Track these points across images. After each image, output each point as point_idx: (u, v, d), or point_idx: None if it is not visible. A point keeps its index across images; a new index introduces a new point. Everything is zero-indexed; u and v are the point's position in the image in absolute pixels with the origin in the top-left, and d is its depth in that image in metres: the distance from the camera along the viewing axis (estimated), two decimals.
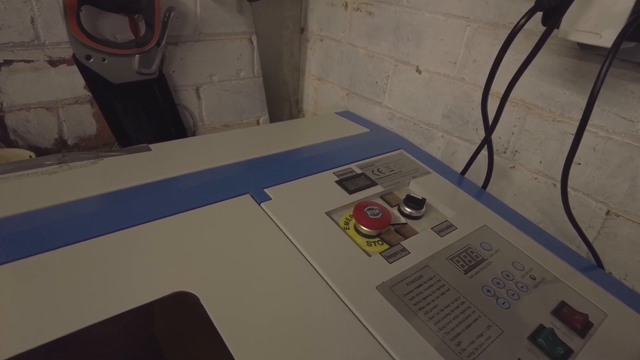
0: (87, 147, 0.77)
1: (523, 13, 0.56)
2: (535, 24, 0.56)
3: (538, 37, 0.55)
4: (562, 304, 0.44)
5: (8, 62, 0.65)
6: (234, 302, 0.37)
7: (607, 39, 0.41)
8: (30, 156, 0.66)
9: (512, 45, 0.53)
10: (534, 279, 0.47)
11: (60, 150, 0.75)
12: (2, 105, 0.66)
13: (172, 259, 0.40)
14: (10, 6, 0.62)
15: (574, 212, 0.55)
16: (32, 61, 0.67)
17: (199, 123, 0.88)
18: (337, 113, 0.77)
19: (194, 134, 0.88)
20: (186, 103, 0.84)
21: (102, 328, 0.33)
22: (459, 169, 0.67)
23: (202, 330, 0.36)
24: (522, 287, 0.45)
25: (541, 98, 0.58)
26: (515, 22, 0.57)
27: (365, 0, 0.79)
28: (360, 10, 0.80)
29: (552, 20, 0.42)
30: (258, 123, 0.97)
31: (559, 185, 0.59)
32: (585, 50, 0.51)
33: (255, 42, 0.88)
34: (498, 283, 0.45)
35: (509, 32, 0.59)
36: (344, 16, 0.84)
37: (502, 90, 0.59)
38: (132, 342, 0.36)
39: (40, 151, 0.72)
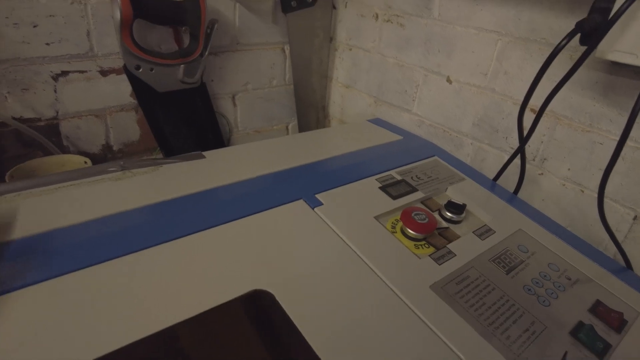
0: (131, 152, 0.81)
1: (554, 29, 0.60)
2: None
3: (569, 52, 0.59)
4: (598, 303, 0.48)
5: (65, 73, 0.68)
6: (305, 300, 0.41)
7: None
8: (85, 162, 0.70)
9: (541, 59, 0.56)
10: (569, 279, 0.50)
11: (106, 155, 0.78)
12: (57, 113, 0.70)
13: (242, 261, 0.44)
14: (70, 21, 0.66)
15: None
16: (86, 71, 0.71)
17: (234, 129, 0.91)
18: (369, 120, 0.81)
19: (229, 140, 0.91)
20: (223, 110, 0.88)
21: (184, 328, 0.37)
22: (489, 174, 0.71)
23: (278, 327, 0.40)
24: (559, 287, 0.49)
25: (571, 109, 0.62)
26: (549, 39, 0.61)
27: (396, 12, 0.82)
28: (391, 22, 0.84)
29: (591, 42, 0.46)
30: (287, 129, 1.01)
31: (586, 191, 0.62)
32: (618, 67, 0.54)
33: (287, 51, 0.91)
34: (537, 283, 0.49)
35: (540, 47, 0.63)
36: (374, 27, 0.87)
37: (532, 102, 0.63)
38: None
39: (88, 156, 0.76)
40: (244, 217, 0.49)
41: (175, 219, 0.48)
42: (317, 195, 0.55)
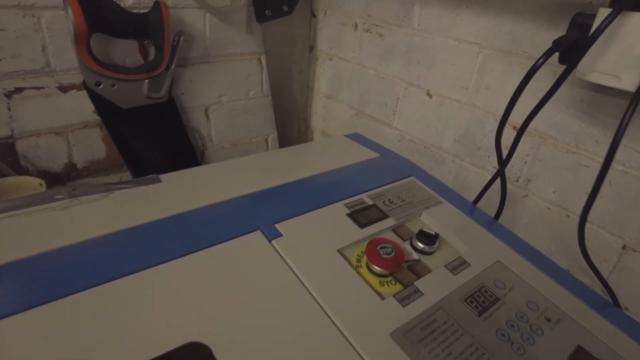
0: (97, 170, 0.77)
1: (536, 41, 0.56)
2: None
3: (552, 67, 0.54)
4: (579, 349, 0.43)
5: (19, 90, 0.65)
6: (245, 352, 0.37)
7: (626, 82, 0.40)
8: (41, 184, 0.66)
9: (523, 74, 0.52)
10: (549, 320, 0.46)
11: (70, 174, 0.75)
12: (13, 132, 0.67)
13: (182, 307, 0.40)
14: (22, 34, 0.62)
15: (588, 244, 0.54)
16: (43, 88, 0.67)
17: (208, 143, 0.87)
18: (346, 136, 0.77)
19: (203, 154, 0.87)
20: (195, 124, 0.84)
21: None
22: (471, 194, 0.66)
23: None
24: (537, 330, 0.45)
25: (555, 128, 0.57)
26: (531, 52, 0.57)
27: (375, 22, 0.78)
28: (371, 32, 0.79)
29: (569, 61, 0.42)
30: (267, 141, 0.97)
31: (572, 216, 0.58)
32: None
33: (264, 61, 0.87)
34: (512, 326, 0.45)
35: (522, 61, 0.58)
36: (354, 36, 0.83)
37: (514, 119, 0.58)
38: None
39: (50, 176, 0.72)
40: (191, 252, 0.45)
41: (112, 257, 0.44)
42: (276, 225, 0.51)
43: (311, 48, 0.94)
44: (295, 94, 0.97)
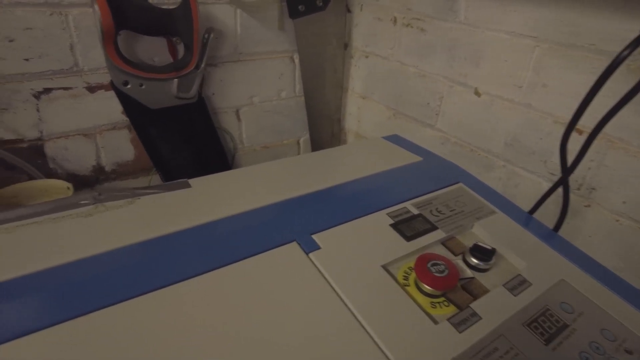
0: (125, 173, 0.75)
1: (606, 32, 0.49)
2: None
3: (629, 61, 0.48)
4: None
5: (47, 90, 0.63)
6: None
7: None
8: (68, 187, 0.64)
9: (588, 69, 0.46)
10: (630, 353, 0.40)
11: (98, 177, 0.73)
12: (42, 133, 0.65)
13: (216, 324, 0.36)
14: (50, 34, 0.60)
15: None
16: (71, 88, 0.65)
17: (239, 145, 0.84)
18: (384, 138, 0.72)
19: (233, 157, 0.84)
20: (226, 126, 0.80)
21: None
22: (523, 202, 0.60)
23: None
24: None
25: (627, 130, 0.51)
26: (599, 45, 0.50)
27: (415, 15, 0.73)
28: (411, 26, 0.74)
29: None
30: (298, 143, 0.92)
31: None
32: None
33: (297, 60, 0.83)
34: (587, 358, 0.39)
35: (587, 55, 0.52)
36: (393, 32, 0.78)
37: (568, 117, 0.52)
38: None
39: (78, 179, 0.70)
40: (221, 267, 0.41)
41: (137, 271, 0.40)
42: (313, 236, 0.46)
43: (346, 45, 0.89)
44: (328, 95, 0.93)
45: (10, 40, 0.58)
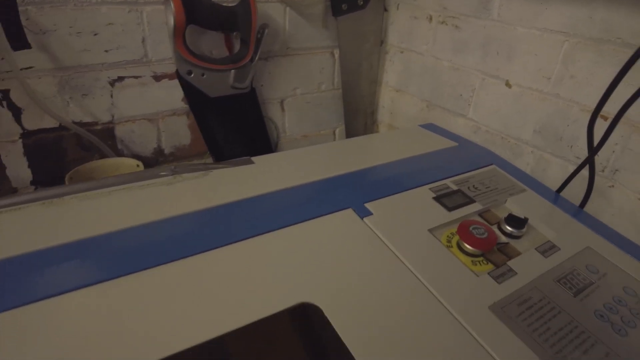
0: (182, 157, 0.82)
1: (635, 27, 0.55)
2: None
3: None
4: None
5: (121, 79, 0.70)
6: (354, 315, 0.39)
7: None
8: (138, 165, 0.72)
9: (614, 61, 0.51)
10: None
11: (157, 159, 0.80)
12: (113, 117, 0.73)
13: (289, 272, 0.42)
14: (127, 28, 0.67)
15: None
16: (140, 77, 0.72)
17: (281, 134, 0.91)
18: (420, 126, 0.78)
19: (277, 145, 0.91)
20: (272, 115, 0.87)
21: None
22: (550, 185, 0.66)
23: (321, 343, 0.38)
24: (638, 314, 0.44)
25: None
26: (625, 38, 0.56)
27: (451, 13, 0.79)
28: (446, 24, 0.80)
29: None
30: (334, 134, 0.99)
31: None
32: None
33: (337, 55, 0.90)
34: (611, 309, 0.44)
35: (615, 48, 0.57)
36: (428, 29, 0.84)
37: (594, 105, 0.57)
38: None
39: (141, 159, 0.78)
40: (291, 225, 0.48)
41: (223, 226, 0.47)
42: (366, 205, 0.53)
43: (381, 42, 0.95)
44: (364, 90, 0.99)
45: (95, 34, 0.66)
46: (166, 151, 0.81)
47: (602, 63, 0.59)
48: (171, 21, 0.65)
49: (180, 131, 0.80)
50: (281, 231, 0.47)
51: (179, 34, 0.67)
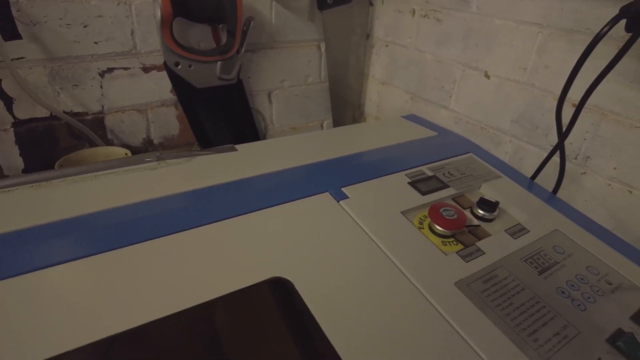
0: (170, 146, 0.84)
1: (602, 18, 0.57)
2: (614, 29, 0.56)
3: (616, 42, 0.55)
4: None
5: (110, 70, 0.72)
6: (324, 289, 0.41)
7: None
8: (126, 153, 0.74)
9: (582, 50, 0.53)
10: (610, 284, 0.47)
11: (147, 148, 0.82)
12: (103, 107, 0.75)
13: (265, 249, 0.44)
14: (116, 20, 0.69)
15: None
16: (129, 68, 0.74)
17: (269, 126, 0.93)
18: (403, 117, 0.80)
19: (265, 136, 0.93)
20: (259, 107, 0.89)
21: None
22: (527, 174, 0.68)
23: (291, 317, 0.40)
24: (597, 291, 0.46)
25: (619, 103, 0.58)
26: (594, 29, 0.58)
27: (433, 7, 0.81)
28: (428, 17, 0.82)
29: (638, 28, 0.43)
30: (322, 126, 1.01)
31: (635, 192, 0.58)
32: None
33: (323, 48, 0.92)
34: (573, 286, 0.46)
35: (585, 38, 0.59)
36: (411, 22, 0.86)
37: (574, 96, 0.60)
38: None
39: (130, 149, 0.80)
40: (270, 207, 0.50)
41: (205, 206, 0.49)
42: (343, 189, 0.55)
43: (368, 35, 0.97)
44: (351, 82, 1.01)
45: (85, 26, 0.68)
46: (155, 141, 0.83)
47: (573, 52, 0.61)
48: (158, 13, 0.67)
49: (168, 121, 0.82)
50: (259, 212, 0.49)
51: (166, 26, 0.69)
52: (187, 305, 0.37)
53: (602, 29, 0.44)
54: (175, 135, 0.84)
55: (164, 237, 0.44)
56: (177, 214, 0.47)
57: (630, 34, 0.45)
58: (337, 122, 1.03)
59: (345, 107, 1.03)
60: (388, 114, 1.00)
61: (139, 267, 0.40)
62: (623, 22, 0.46)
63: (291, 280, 0.41)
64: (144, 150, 0.82)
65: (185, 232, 0.45)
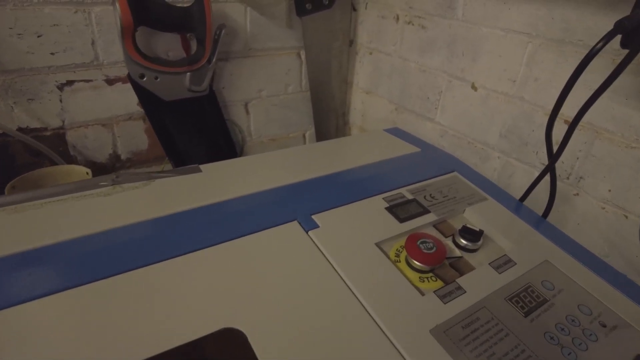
0: (139, 162, 0.79)
1: (593, 28, 0.52)
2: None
3: (611, 55, 0.51)
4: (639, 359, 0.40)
5: (70, 82, 0.67)
6: (281, 340, 0.36)
7: None
8: (87, 172, 0.69)
9: (574, 62, 0.48)
10: (604, 326, 0.43)
11: (114, 164, 0.77)
12: (64, 122, 0.70)
13: (217, 294, 0.40)
14: (74, 30, 0.64)
15: None
16: (91, 80, 0.69)
17: (247, 138, 0.88)
18: (385, 130, 0.75)
19: (242, 149, 0.88)
20: (235, 118, 0.84)
21: None
22: (517, 192, 0.63)
23: None
24: (590, 335, 0.41)
25: (613, 121, 0.53)
26: (586, 40, 0.53)
27: (417, 13, 0.76)
28: (412, 24, 0.77)
29: (634, 44, 0.38)
30: (304, 137, 0.96)
31: (631, 216, 0.54)
32: None
33: (303, 56, 0.87)
34: (562, 329, 0.42)
35: (576, 49, 0.55)
36: (395, 29, 0.81)
37: (566, 112, 0.55)
38: None
39: (96, 166, 0.75)
40: (228, 240, 0.45)
41: (153, 242, 0.44)
42: (313, 216, 0.50)
43: (351, 42, 0.92)
44: (334, 90, 0.96)
45: (39, 36, 0.62)
46: (123, 157, 0.78)
47: (564, 65, 0.57)
48: (118, 22, 0.62)
49: (136, 136, 0.77)
50: (215, 248, 0.44)
51: (127, 36, 0.64)
52: None
53: (596, 45, 0.40)
54: (144, 150, 0.79)
55: (98, 281, 0.39)
56: (118, 252, 0.43)
57: (627, 50, 0.40)
58: (320, 132, 0.98)
59: (328, 116, 0.98)
60: (373, 124, 0.95)
61: (64, 318, 0.35)
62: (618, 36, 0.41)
63: (243, 331, 0.36)
64: (110, 166, 0.77)
65: (124, 274, 0.40)
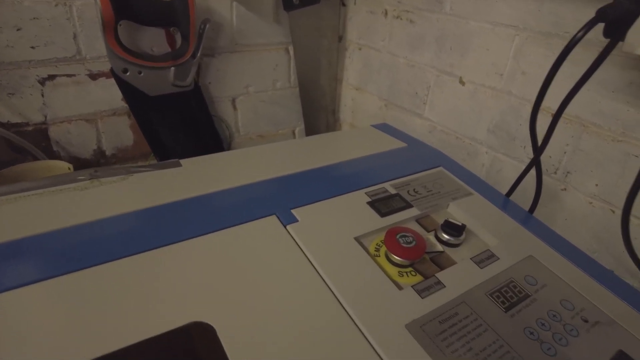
0: (125, 158, 0.78)
1: (581, 20, 0.51)
2: (595, 34, 0.51)
3: (597, 48, 0.50)
4: (621, 355, 0.39)
5: (52, 77, 0.67)
6: (251, 335, 0.35)
7: None
8: (69, 168, 0.68)
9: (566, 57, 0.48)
10: (586, 321, 0.42)
11: (99, 160, 0.76)
12: (46, 117, 0.69)
13: (189, 287, 0.39)
14: (55, 23, 0.63)
15: (636, 242, 0.49)
16: (74, 75, 0.68)
17: (235, 134, 0.87)
18: (373, 126, 0.74)
19: (230, 145, 0.87)
20: (222, 114, 0.84)
21: None
22: (505, 188, 0.62)
23: None
24: (571, 331, 0.40)
25: (600, 115, 0.52)
26: (573, 33, 0.52)
27: (405, 7, 0.75)
28: (401, 18, 0.76)
29: (616, 33, 0.37)
30: (294, 133, 0.95)
31: (618, 211, 0.53)
32: None
33: (292, 52, 0.86)
34: (543, 325, 0.41)
35: (564, 42, 0.54)
36: (384, 24, 0.80)
37: (553, 106, 0.54)
38: None
39: (80, 162, 0.74)
40: (204, 234, 0.44)
41: (128, 235, 0.43)
42: (293, 211, 0.49)
43: (340, 38, 0.92)
44: (324, 86, 0.95)
45: (18, 29, 0.62)
46: (107, 152, 0.77)
47: (552, 58, 0.55)
48: (99, 16, 0.61)
49: (121, 132, 0.76)
50: (190, 241, 0.43)
51: (109, 30, 0.63)
52: (91, 356, 0.31)
53: (577, 33, 0.39)
54: (129, 146, 0.78)
55: (69, 274, 0.38)
56: (91, 245, 0.42)
57: (609, 40, 0.39)
58: (310, 128, 0.97)
59: (318, 113, 0.97)
60: (363, 121, 0.94)
61: (31, 311, 0.34)
62: (601, 26, 0.40)
63: (214, 325, 0.35)
64: (95, 162, 0.76)
65: (96, 267, 0.39)
